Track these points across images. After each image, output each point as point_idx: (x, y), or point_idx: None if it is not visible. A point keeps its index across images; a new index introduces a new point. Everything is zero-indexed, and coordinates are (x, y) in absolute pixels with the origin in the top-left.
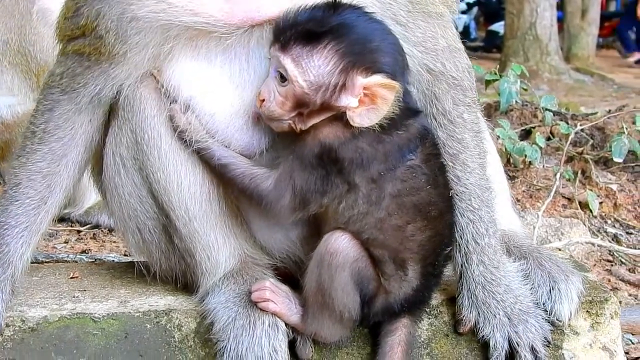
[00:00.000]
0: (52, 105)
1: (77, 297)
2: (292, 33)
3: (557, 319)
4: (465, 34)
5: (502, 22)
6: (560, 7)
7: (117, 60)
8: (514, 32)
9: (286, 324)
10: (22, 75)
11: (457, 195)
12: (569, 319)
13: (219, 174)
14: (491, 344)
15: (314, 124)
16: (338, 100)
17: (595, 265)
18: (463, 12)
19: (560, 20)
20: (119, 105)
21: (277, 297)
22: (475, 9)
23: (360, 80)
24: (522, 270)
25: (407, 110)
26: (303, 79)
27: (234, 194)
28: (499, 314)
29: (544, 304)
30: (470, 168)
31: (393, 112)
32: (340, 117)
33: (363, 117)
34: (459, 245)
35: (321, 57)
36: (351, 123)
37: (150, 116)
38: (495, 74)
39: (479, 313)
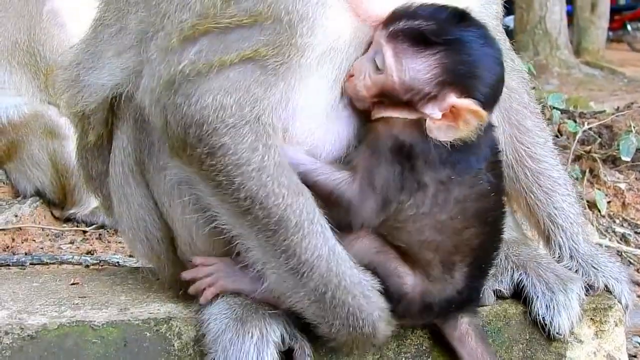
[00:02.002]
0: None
1: (77, 304)
2: (405, 26)
3: (557, 332)
4: None
5: (512, 16)
6: (570, 1)
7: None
8: (523, 26)
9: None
10: (31, 75)
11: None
12: (570, 330)
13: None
14: (623, 303)
15: (391, 117)
16: (424, 107)
17: None
18: None
19: (570, 14)
20: (129, 114)
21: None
22: None
23: (453, 99)
24: (519, 281)
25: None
26: (398, 76)
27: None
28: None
29: (543, 317)
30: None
31: (471, 137)
32: (417, 120)
33: (440, 131)
34: (564, 229)
35: (425, 64)
36: (427, 132)
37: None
38: None
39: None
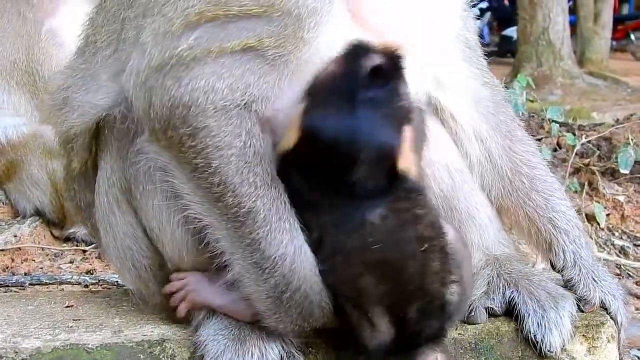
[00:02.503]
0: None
1: (72, 326)
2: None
3: (548, 350)
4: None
5: (515, 27)
6: (573, 11)
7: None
8: (527, 37)
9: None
10: (29, 95)
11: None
12: (562, 348)
13: None
14: (618, 320)
15: None
16: None
17: None
18: (476, 18)
19: (573, 25)
20: (112, 143)
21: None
22: (488, 14)
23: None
24: (510, 299)
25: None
26: None
27: None
28: (615, 290)
29: (534, 334)
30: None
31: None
32: None
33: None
34: (567, 232)
35: None
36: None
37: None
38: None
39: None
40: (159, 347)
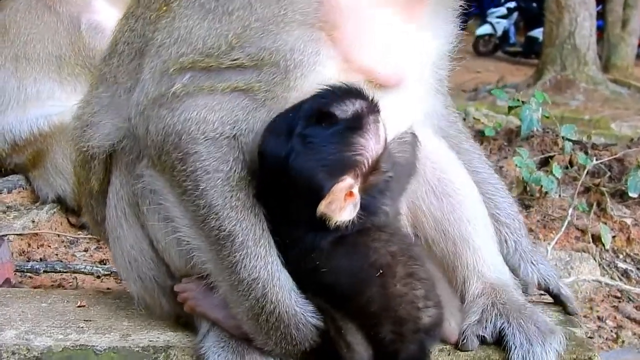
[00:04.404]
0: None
1: (82, 327)
2: None
3: None
4: (504, 38)
5: (541, 29)
6: (601, 15)
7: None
8: (552, 40)
9: None
10: (85, 85)
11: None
12: None
13: None
14: (562, 293)
15: None
16: None
17: (603, 301)
18: (503, 17)
19: (601, 30)
20: (122, 159)
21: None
22: (515, 14)
23: None
24: (501, 329)
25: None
26: None
27: None
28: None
29: None
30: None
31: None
32: None
33: None
34: (508, 225)
35: None
36: None
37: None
38: (518, 100)
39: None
40: (163, 354)
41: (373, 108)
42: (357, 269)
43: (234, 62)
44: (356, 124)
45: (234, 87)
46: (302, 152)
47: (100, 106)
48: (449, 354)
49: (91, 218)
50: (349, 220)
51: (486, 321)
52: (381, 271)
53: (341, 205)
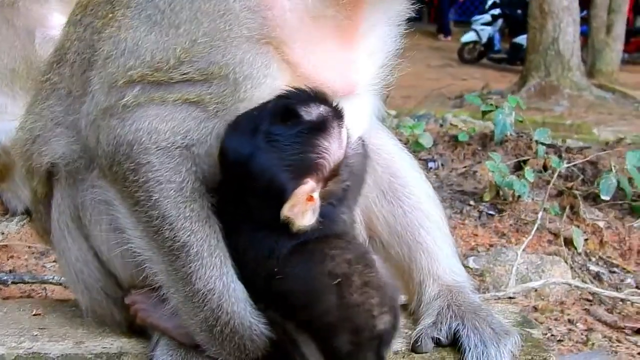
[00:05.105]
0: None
1: (36, 335)
2: None
3: None
4: (489, 45)
5: (524, 36)
6: (585, 21)
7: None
8: (536, 46)
9: None
10: None
11: None
12: None
13: None
14: None
15: None
16: None
17: (574, 304)
18: (488, 24)
19: (585, 35)
20: (61, 174)
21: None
22: (500, 21)
23: None
24: (456, 331)
25: None
26: None
27: None
28: None
29: None
30: None
31: None
32: None
33: None
34: None
35: None
36: None
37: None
38: (491, 104)
39: None
40: None
41: (337, 113)
42: (314, 277)
43: (184, 76)
44: (321, 126)
45: (184, 98)
46: (266, 150)
47: (53, 122)
48: (403, 357)
49: (39, 226)
50: (309, 226)
51: (441, 323)
52: (338, 280)
53: (303, 209)
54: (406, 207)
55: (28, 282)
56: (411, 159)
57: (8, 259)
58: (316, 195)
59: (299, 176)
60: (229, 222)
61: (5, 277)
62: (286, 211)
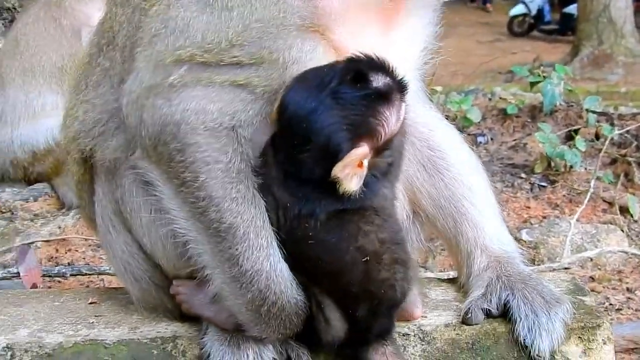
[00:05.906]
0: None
1: (92, 322)
2: None
3: (537, 354)
4: (538, 17)
5: (575, 5)
6: None
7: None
8: (587, 14)
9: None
10: None
11: None
12: (551, 352)
13: None
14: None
15: None
16: None
17: (632, 272)
18: None
19: (638, 0)
20: (100, 169)
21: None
22: None
23: None
24: (506, 301)
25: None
26: None
27: None
28: None
29: (524, 338)
30: None
31: None
32: None
33: None
34: None
35: None
36: None
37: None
38: (539, 75)
39: None
40: (171, 344)
41: (401, 87)
42: (344, 250)
43: (233, 59)
44: (386, 95)
45: (232, 80)
46: (330, 106)
47: (108, 114)
48: (454, 329)
49: (85, 215)
50: (354, 192)
51: (491, 294)
52: (367, 258)
53: (353, 172)
54: (447, 179)
55: (86, 274)
56: (452, 131)
57: (66, 252)
58: (366, 162)
59: (356, 138)
60: (276, 177)
61: (63, 270)
62: (338, 170)
